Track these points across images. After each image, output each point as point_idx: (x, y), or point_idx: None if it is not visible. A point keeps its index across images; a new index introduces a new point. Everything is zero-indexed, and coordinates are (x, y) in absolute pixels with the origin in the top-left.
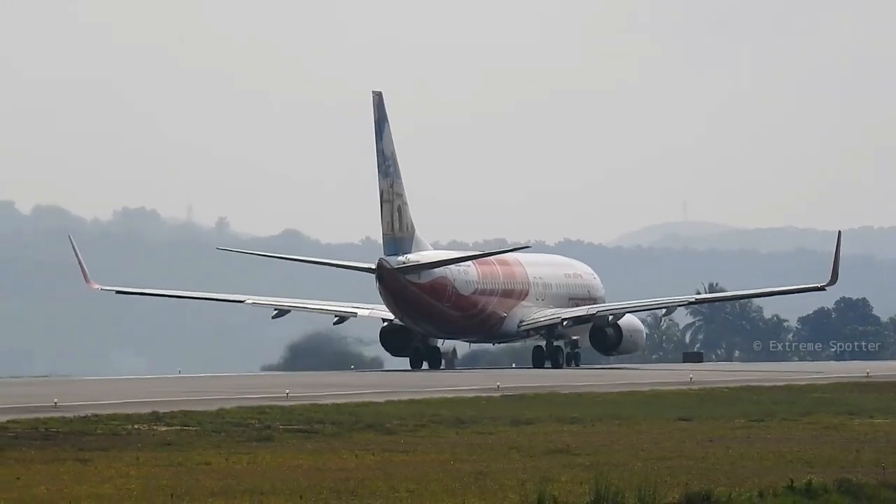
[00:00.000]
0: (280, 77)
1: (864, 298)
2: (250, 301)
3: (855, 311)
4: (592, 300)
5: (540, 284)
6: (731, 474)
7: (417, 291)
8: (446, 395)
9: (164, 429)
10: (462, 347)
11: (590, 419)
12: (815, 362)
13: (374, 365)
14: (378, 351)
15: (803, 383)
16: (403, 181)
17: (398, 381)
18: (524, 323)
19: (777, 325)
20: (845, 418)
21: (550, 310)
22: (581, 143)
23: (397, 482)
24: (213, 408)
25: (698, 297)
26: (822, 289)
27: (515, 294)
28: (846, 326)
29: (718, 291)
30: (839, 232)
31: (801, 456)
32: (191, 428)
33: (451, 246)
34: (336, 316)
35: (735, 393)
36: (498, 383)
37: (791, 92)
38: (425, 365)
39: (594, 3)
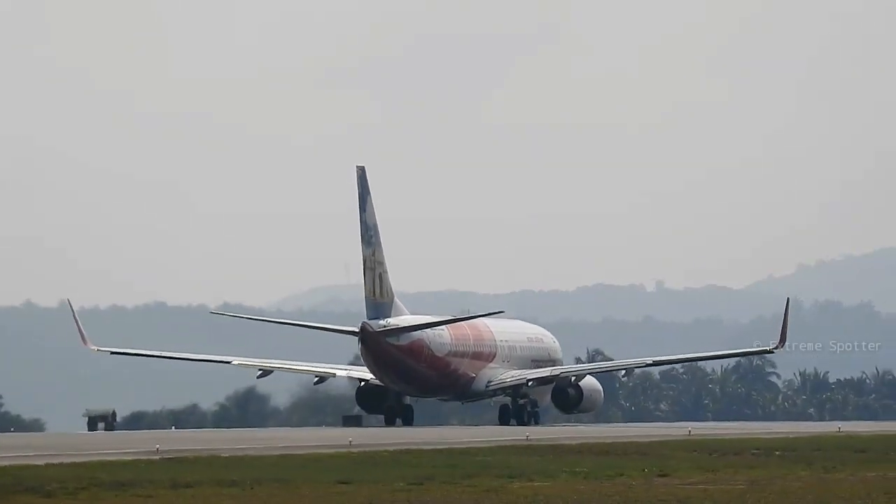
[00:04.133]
0: None
1: None
2: (237, 362)
3: None
4: (552, 362)
5: (506, 347)
6: None
7: (397, 353)
8: (107, 458)
9: None
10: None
11: (249, 482)
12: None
13: (35, 427)
14: (39, 412)
15: (463, 446)
16: (384, 250)
17: (60, 442)
18: (492, 383)
19: None
20: (505, 481)
21: (516, 371)
22: (240, 200)
23: None
24: None
25: (656, 359)
26: (771, 351)
27: (484, 356)
28: None
29: None
30: (787, 299)
31: None
32: None
33: None
34: (316, 376)
35: (395, 456)
36: (157, 446)
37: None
38: (399, 421)
39: None
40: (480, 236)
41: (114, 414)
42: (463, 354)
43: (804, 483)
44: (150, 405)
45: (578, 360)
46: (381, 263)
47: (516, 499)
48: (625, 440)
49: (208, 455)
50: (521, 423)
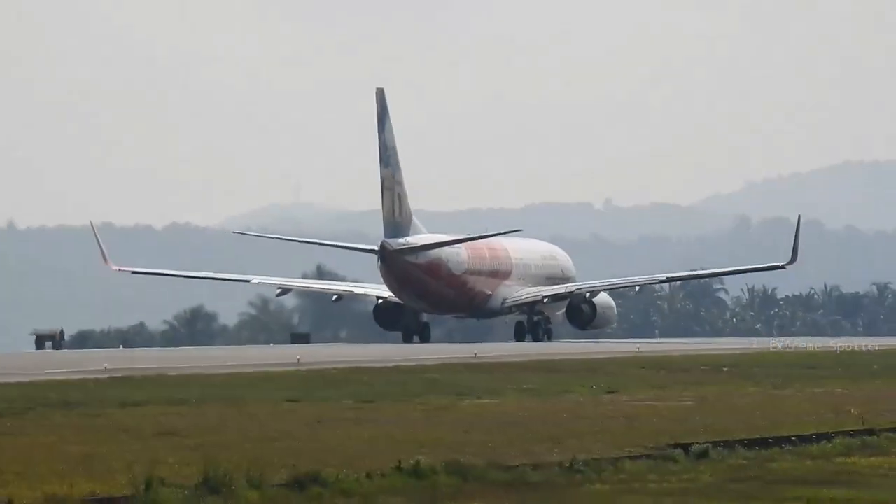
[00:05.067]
0: None
1: None
2: (256, 280)
3: None
4: (566, 280)
5: (521, 265)
6: (340, 455)
7: (415, 271)
8: (55, 378)
9: None
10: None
11: (197, 401)
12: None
13: None
14: None
15: (412, 364)
16: (402, 171)
17: (7, 362)
18: (508, 300)
19: None
20: (454, 399)
21: (531, 288)
22: (181, 122)
23: (4, 465)
24: None
25: (669, 275)
26: (782, 267)
27: (500, 274)
28: None
29: (326, 273)
30: (798, 216)
31: (410, 437)
32: None
33: None
34: (335, 294)
35: (344, 374)
36: (105, 365)
37: (393, 75)
38: (416, 339)
39: None
40: (427, 155)
41: (61, 333)
42: (479, 272)
43: (752, 399)
44: (98, 324)
45: None
46: (400, 183)
47: (465, 416)
48: (573, 357)
49: (156, 374)
50: (536, 339)
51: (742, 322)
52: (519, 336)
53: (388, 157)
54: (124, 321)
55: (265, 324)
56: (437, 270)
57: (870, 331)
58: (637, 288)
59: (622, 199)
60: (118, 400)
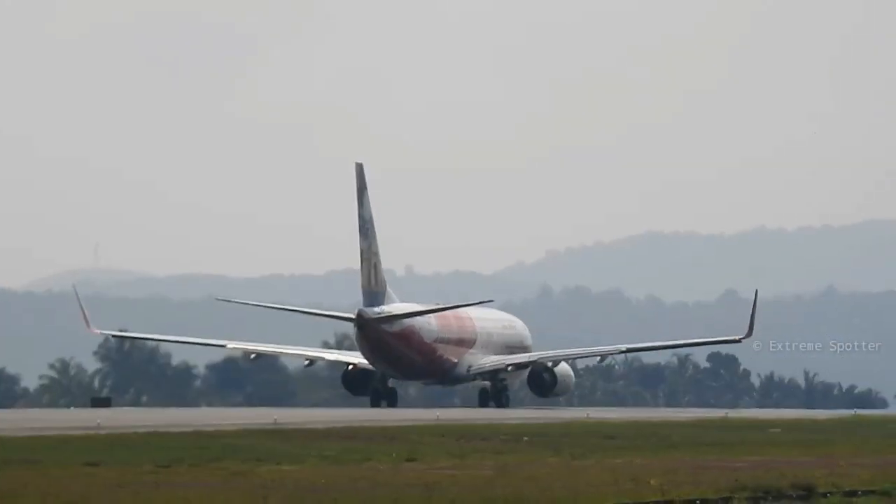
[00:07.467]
0: None
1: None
2: (231, 346)
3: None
4: (524, 348)
5: (485, 334)
6: None
7: (390, 339)
8: None
9: None
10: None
11: None
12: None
13: None
14: None
15: (212, 430)
16: (378, 242)
17: None
18: (473, 368)
19: (185, 371)
20: (253, 464)
21: (494, 356)
22: None
23: None
24: None
25: (629, 346)
26: (738, 341)
27: (466, 342)
28: (258, 375)
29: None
30: (756, 290)
31: (208, 502)
32: None
33: None
34: (306, 360)
35: (144, 438)
36: None
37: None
38: (384, 403)
39: None
40: (228, 222)
41: None
42: (448, 341)
43: (552, 469)
44: None
45: (326, 344)
46: (376, 254)
47: (264, 482)
48: (373, 424)
49: None
50: (500, 405)
51: None
52: (483, 402)
53: (366, 229)
54: None
55: (66, 388)
56: (410, 338)
57: (671, 401)
58: (598, 358)
59: (423, 267)
60: None
